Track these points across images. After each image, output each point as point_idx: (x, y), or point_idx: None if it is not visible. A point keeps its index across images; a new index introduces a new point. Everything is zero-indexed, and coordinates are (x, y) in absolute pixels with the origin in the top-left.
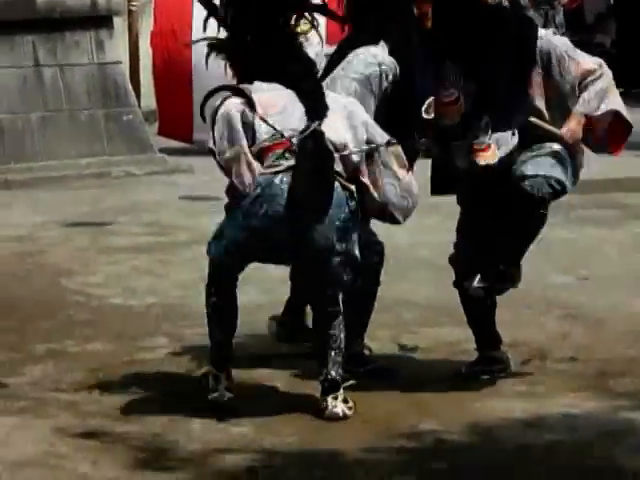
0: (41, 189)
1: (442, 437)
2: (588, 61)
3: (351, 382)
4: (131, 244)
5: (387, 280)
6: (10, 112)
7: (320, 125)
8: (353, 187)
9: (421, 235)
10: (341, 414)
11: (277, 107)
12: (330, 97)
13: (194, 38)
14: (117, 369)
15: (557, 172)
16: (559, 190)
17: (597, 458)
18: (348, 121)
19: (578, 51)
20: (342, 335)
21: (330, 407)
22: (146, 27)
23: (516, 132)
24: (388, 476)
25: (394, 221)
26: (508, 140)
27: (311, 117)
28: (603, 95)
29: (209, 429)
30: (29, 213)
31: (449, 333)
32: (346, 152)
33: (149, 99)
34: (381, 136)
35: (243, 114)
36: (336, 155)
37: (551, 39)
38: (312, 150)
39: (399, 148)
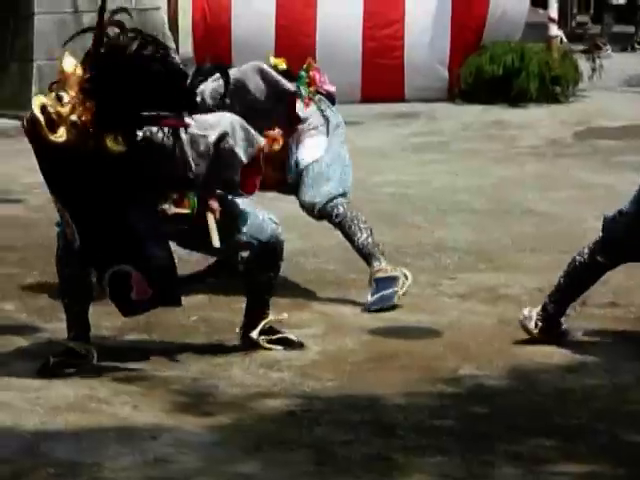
0: None
1: (481, 381)
2: None
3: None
4: None
5: (426, 226)
6: (50, 58)
7: None
8: None
9: (460, 179)
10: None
11: None
12: None
13: None
14: (157, 315)
15: None
16: None
17: (636, 402)
18: None
19: None
20: None
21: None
22: None
23: None
24: (428, 420)
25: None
26: None
27: None
28: None
29: (249, 374)
30: None
31: (488, 278)
32: None
33: (187, 45)
34: None
35: None
36: None
37: None
38: None
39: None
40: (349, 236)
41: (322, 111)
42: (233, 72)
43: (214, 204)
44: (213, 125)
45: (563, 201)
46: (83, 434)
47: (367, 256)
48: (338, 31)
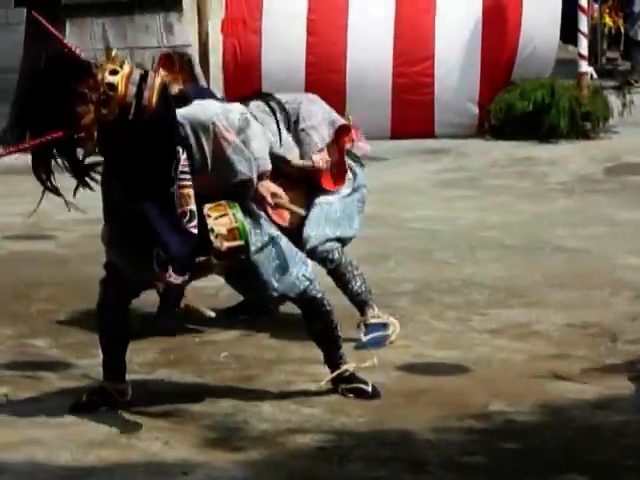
0: None
1: (511, 418)
2: None
3: None
4: None
5: (456, 261)
6: None
7: None
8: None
9: (490, 215)
10: None
11: None
12: None
13: (264, 26)
14: (188, 350)
15: None
16: None
17: None
18: None
19: None
20: None
21: None
22: (215, 10)
23: None
24: (457, 456)
25: None
26: None
27: None
28: None
29: (279, 410)
30: (100, 196)
31: (518, 314)
32: None
33: (218, 82)
34: None
35: None
36: None
37: None
38: None
39: None
40: (343, 283)
41: (351, 167)
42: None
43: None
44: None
45: (593, 237)
46: (115, 470)
47: (361, 304)
48: (368, 67)
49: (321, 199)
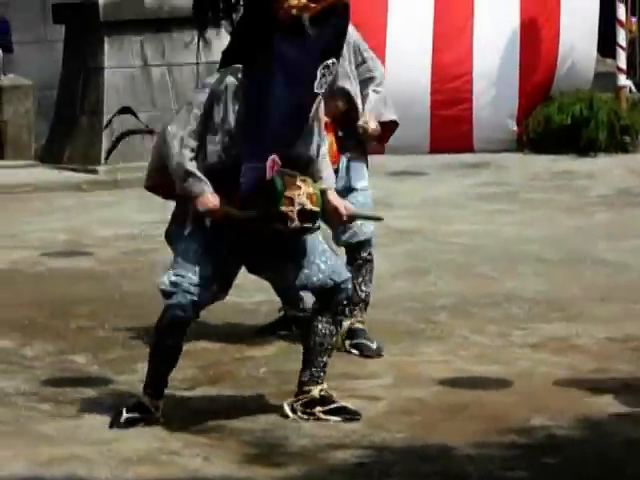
0: None
1: (552, 432)
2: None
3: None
4: None
5: (496, 275)
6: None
7: None
8: None
9: (530, 229)
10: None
11: None
12: None
13: None
14: (227, 366)
15: None
16: None
17: None
18: None
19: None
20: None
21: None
22: None
23: None
24: (498, 471)
25: None
26: None
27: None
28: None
29: (319, 425)
30: (139, 211)
31: (559, 328)
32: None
33: None
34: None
35: None
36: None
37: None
38: None
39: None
40: (365, 278)
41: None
42: None
43: None
44: None
45: (633, 250)
46: None
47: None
48: (406, 83)
49: (360, 183)
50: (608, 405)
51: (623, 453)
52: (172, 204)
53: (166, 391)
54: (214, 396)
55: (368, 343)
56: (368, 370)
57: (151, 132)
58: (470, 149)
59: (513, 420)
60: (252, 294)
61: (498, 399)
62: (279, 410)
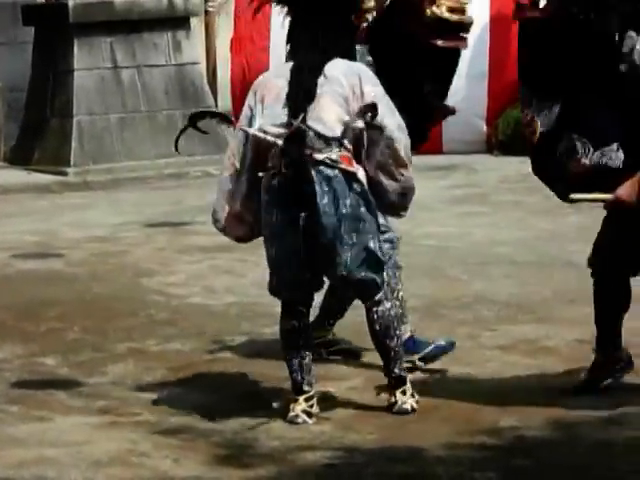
0: (120, 189)
1: (522, 434)
2: None
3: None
4: (211, 243)
5: (466, 278)
6: (89, 113)
7: (305, 118)
8: (355, 168)
9: (501, 231)
10: (410, 409)
11: (272, 94)
12: (330, 66)
13: (272, 44)
14: (197, 368)
15: None
16: None
17: None
18: (340, 98)
19: None
20: (397, 331)
21: (399, 402)
22: (223, 28)
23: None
24: (468, 472)
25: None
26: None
27: (293, 111)
28: None
29: (289, 427)
30: (109, 214)
31: (529, 330)
32: (336, 135)
33: (226, 99)
34: (392, 116)
35: None
36: (320, 155)
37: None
38: (295, 153)
39: (400, 144)
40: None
41: None
42: None
43: None
44: None
45: None
46: None
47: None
48: None
49: None
50: (577, 407)
51: (593, 455)
52: (140, 204)
53: (134, 393)
54: (184, 398)
55: (349, 347)
56: (338, 372)
57: (228, 120)
58: (439, 151)
59: (483, 422)
60: (222, 296)
61: (468, 401)
62: (249, 411)
